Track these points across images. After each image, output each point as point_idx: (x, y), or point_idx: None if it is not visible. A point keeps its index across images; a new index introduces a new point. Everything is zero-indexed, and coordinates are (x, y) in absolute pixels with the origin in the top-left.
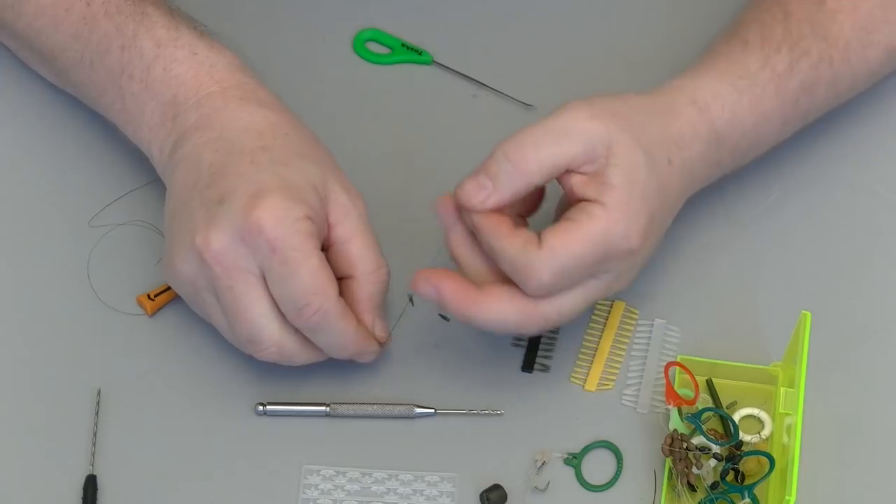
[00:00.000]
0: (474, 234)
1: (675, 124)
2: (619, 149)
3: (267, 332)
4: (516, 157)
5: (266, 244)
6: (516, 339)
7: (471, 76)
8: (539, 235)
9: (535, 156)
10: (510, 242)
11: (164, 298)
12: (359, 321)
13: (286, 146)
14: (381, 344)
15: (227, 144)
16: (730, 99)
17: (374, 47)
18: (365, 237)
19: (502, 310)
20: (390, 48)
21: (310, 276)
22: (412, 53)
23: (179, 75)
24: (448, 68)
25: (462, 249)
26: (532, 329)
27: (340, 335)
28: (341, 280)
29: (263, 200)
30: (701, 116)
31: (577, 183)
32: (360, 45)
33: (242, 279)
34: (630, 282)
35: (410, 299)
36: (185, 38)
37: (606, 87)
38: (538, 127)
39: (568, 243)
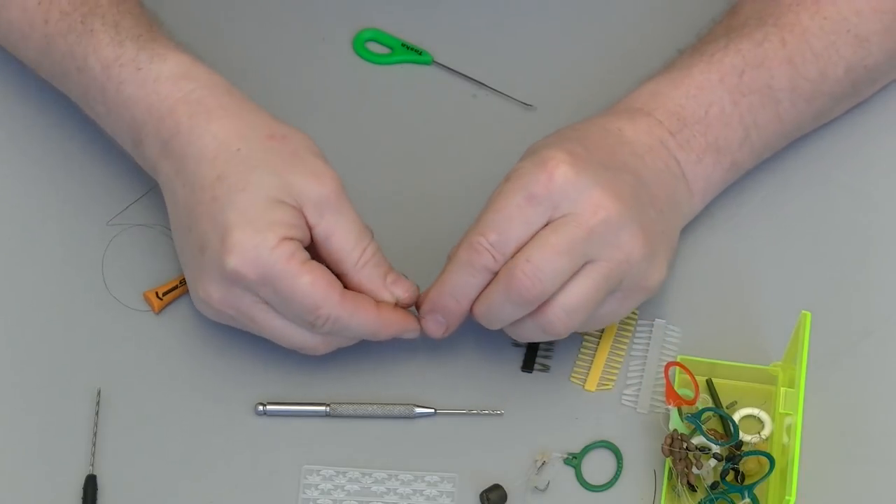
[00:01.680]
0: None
1: (581, 120)
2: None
3: (307, 338)
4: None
5: (252, 283)
6: (514, 341)
7: (471, 76)
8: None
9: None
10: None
11: (172, 297)
12: (378, 302)
13: (239, 166)
14: (416, 308)
15: (189, 178)
16: (648, 85)
17: (375, 47)
18: (342, 229)
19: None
20: (390, 48)
21: (305, 295)
22: (412, 53)
23: (130, 96)
24: (448, 68)
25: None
26: (557, 329)
27: (364, 326)
28: (340, 274)
29: (232, 245)
30: (613, 107)
31: None
32: (360, 45)
33: (256, 309)
34: (639, 251)
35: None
36: (129, 53)
37: (606, 86)
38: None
39: (490, 207)
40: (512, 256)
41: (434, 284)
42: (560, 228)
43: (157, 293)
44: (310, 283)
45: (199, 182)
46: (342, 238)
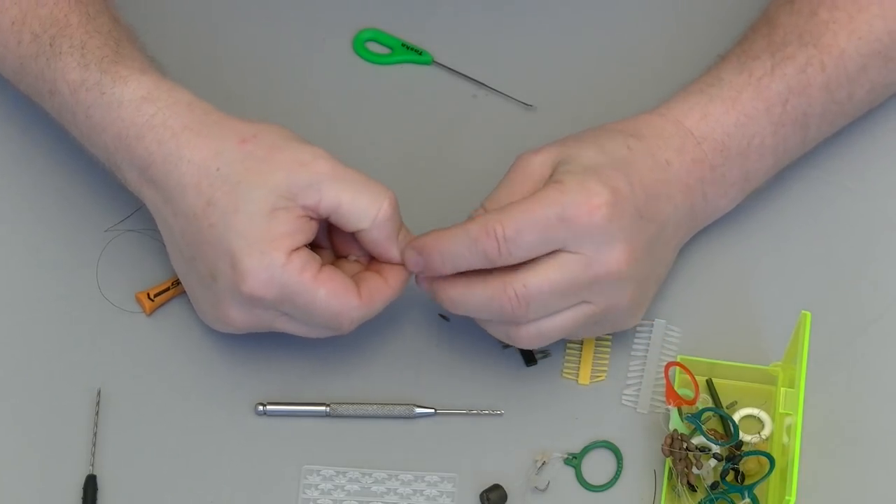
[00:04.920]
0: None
1: (630, 126)
2: (563, 156)
3: (331, 332)
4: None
5: (271, 303)
6: (503, 342)
7: (471, 76)
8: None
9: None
10: (455, 227)
11: (164, 299)
12: (389, 258)
13: (223, 186)
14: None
15: (179, 208)
16: (699, 101)
17: (375, 47)
18: (349, 192)
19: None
20: (390, 48)
21: (324, 307)
22: (412, 53)
23: (99, 122)
24: (448, 68)
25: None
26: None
27: (383, 306)
28: (356, 233)
29: (243, 271)
30: (663, 118)
31: None
32: (360, 45)
33: (278, 322)
34: (616, 266)
35: (443, 315)
36: (93, 77)
37: (606, 86)
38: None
39: (518, 205)
40: (514, 261)
41: (434, 233)
42: (567, 267)
43: (148, 294)
44: (326, 295)
45: (191, 210)
46: (351, 202)
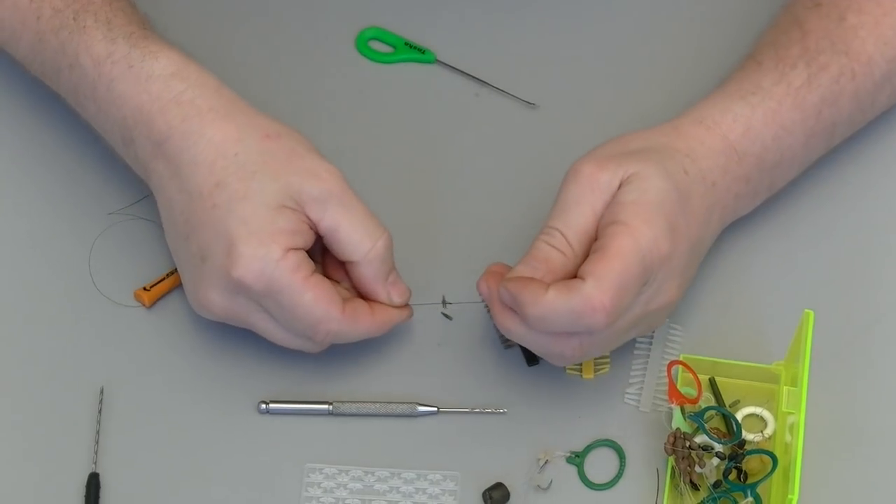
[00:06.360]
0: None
1: (682, 142)
2: (628, 174)
3: (304, 344)
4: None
5: (255, 294)
6: (505, 342)
7: (474, 75)
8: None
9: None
10: (557, 296)
11: (162, 289)
12: (374, 297)
13: (238, 172)
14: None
15: (186, 184)
16: (742, 113)
17: (377, 46)
18: (350, 219)
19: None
20: (393, 47)
21: (307, 312)
22: (415, 52)
23: (121, 94)
24: (451, 67)
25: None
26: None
27: (361, 334)
28: (346, 264)
29: (238, 257)
30: (710, 132)
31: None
32: (362, 43)
33: (256, 318)
34: (671, 298)
35: (446, 314)
36: (121, 50)
37: (610, 84)
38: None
39: (608, 266)
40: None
41: (530, 292)
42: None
43: (144, 287)
44: (312, 299)
45: (198, 189)
46: (350, 229)
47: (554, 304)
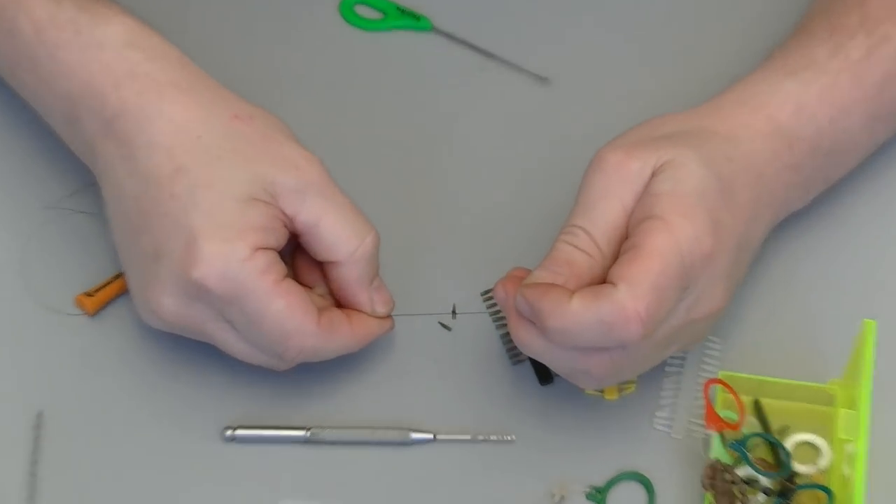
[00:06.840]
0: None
1: (723, 125)
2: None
3: (269, 361)
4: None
5: (216, 300)
6: (514, 356)
7: (477, 45)
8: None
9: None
10: (583, 304)
11: (107, 294)
12: (356, 303)
13: (202, 156)
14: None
15: (139, 168)
16: (793, 90)
17: (365, 11)
18: (333, 214)
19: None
20: (383, 12)
21: (276, 322)
22: (409, 19)
23: (67, 64)
24: (450, 36)
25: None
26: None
27: (336, 351)
28: (325, 264)
29: (199, 254)
30: (755, 114)
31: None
32: (347, 8)
33: (213, 327)
34: (716, 305)
35: (444, 324)
36: (67, 13)
37: (628, 56)
38: (578, 206)
39: (643, 268)
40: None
41: (551, 302)
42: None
43: (87, 293)
44: (283, 308)
45: (153, 174)
46: (333, 225)
47: (580, 314)
